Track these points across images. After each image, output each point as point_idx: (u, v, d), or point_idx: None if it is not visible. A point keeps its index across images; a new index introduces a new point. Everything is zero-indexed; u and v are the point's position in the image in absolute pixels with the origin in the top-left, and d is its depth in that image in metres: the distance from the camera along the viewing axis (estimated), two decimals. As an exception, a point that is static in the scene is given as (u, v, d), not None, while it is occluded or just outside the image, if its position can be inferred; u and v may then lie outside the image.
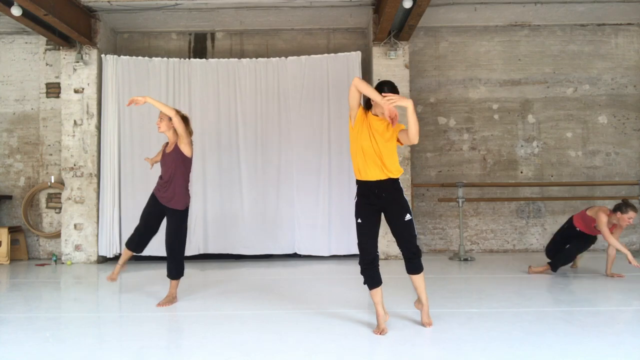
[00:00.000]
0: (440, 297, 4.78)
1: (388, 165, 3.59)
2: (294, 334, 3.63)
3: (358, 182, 3.68)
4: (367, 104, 3.71)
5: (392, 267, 6.57)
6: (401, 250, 3.68)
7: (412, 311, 4.15)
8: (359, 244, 3.65)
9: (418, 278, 3.72)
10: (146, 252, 7.27)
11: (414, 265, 3.67)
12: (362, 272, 3.66)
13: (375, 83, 7.42)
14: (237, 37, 8.22)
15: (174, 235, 4.61)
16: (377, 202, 3.62)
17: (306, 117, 7.47)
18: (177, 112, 4.51)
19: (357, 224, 3.63)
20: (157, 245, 7.13)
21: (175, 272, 4.70)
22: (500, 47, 8.29)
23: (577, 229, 5.73)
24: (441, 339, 3.44)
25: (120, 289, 5.78)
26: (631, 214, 5.41)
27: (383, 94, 3.46)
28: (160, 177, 4.68)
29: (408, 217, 3.61)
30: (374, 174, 3.60)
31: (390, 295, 4.93)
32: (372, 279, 3.64)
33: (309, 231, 7.39)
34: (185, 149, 4.56)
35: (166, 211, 4.65)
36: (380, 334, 3.52)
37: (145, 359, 3.19)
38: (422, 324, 3.76)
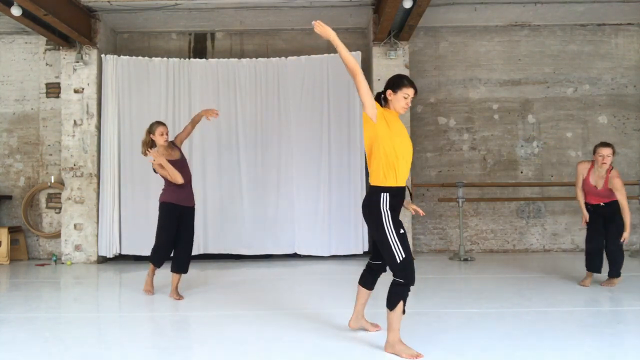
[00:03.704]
0: (440, 297, 4.78)
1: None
2: (294, 334, 3.63)
3: (389, 189, 3.16)
4: (381, 100, 3.33)
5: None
6: (380, 265, 3.52)
7: (412, 311, 4.15)
8: (408, 258, 3.12)
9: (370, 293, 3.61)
10: (145, 252, 7.34)
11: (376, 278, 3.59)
12: (407, 294, 3.17)
13: (375, 83, 7.41)
14: (237, 37, 8.22)
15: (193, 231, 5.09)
16: (399, 210, 3.26)
17: (306, 117, 7.46)
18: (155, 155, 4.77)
19: (400, 235, 3.14)
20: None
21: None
22: (500, 47, 8.29)
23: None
24: (441, 339, 3.44)
25: (120, 289, 5.79)
26: (600, 150, 5.23)
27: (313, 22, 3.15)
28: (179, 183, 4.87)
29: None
30: (404, 179, 3.23)
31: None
32: None
33: (309, 231, 7.38)
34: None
35: (186, 212, 4.96)
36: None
37: (145, 359, 3.19)
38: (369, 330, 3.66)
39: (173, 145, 4.99)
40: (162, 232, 4.90)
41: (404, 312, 3.17)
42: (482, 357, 3.10)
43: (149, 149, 4.79)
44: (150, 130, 4.84)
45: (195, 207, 5.09)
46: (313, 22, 3.13)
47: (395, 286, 3.16)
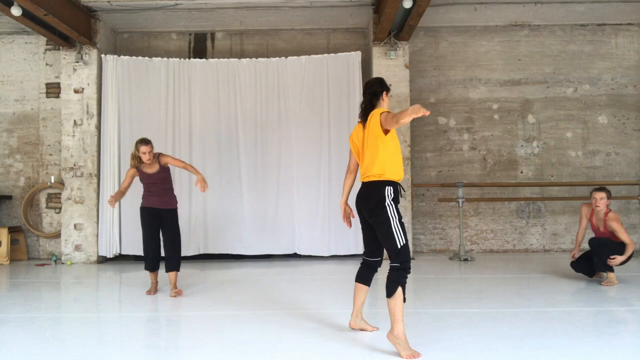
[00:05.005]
0: (440, 297, 4.78)
1: None
2: (294, 334, 3.63)
3: (393, 183, 3.39)
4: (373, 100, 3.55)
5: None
6: (377, 262, 3.62)
7: (412, 311, 4.15)
8: (407, 245, 3.30)
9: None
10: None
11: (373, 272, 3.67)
12: (404, 280, 3.24)
13: (375, 83, 7.42)
14: (237, 37, 8.22)
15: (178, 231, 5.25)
16: (398, 202, 3.46)
17: (306, 117, 7.47)
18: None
19: (402, 223, 3.33)
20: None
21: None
22: (500, 47, 8.29)
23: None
24: (441, 339, 3.44)
25: (120, 289, 5.79)
26: (594, 194, 5.34)
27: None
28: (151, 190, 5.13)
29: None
30: None
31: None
32: None
33: (309, 231, 7.39)
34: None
35: (165, 213, 5.12)
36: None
37: (145, 359, 3.19)
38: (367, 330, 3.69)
39: (157, 160, 5.08)
40: (144, 237, 5.14)
41: (404, 300, 3.21)
42: (482, 357, 3.10)
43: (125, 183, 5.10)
44: (136, 148, 5.01)
45: (179, 208, 5.35)
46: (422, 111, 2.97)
47: (392, 272, 3.25)
